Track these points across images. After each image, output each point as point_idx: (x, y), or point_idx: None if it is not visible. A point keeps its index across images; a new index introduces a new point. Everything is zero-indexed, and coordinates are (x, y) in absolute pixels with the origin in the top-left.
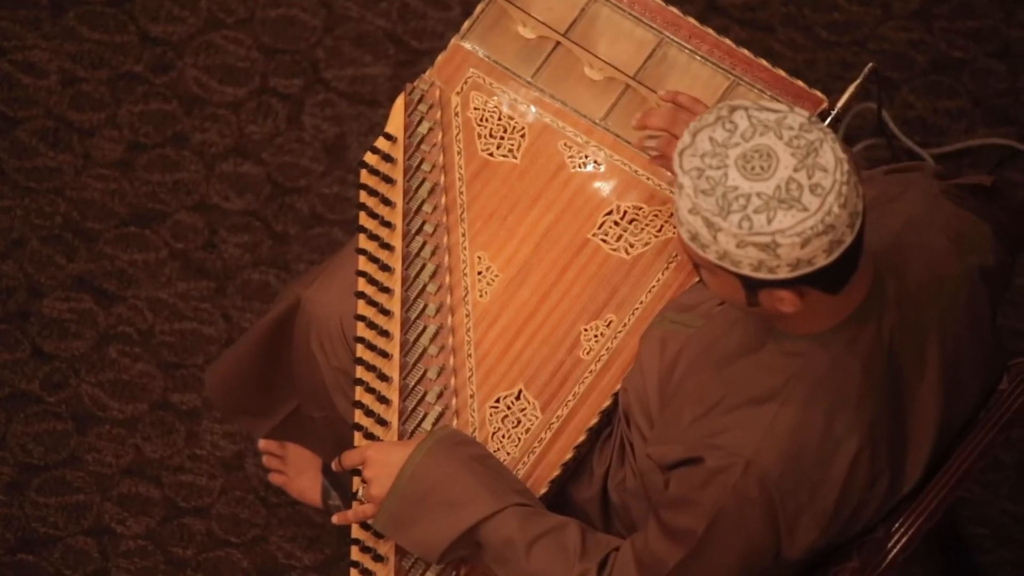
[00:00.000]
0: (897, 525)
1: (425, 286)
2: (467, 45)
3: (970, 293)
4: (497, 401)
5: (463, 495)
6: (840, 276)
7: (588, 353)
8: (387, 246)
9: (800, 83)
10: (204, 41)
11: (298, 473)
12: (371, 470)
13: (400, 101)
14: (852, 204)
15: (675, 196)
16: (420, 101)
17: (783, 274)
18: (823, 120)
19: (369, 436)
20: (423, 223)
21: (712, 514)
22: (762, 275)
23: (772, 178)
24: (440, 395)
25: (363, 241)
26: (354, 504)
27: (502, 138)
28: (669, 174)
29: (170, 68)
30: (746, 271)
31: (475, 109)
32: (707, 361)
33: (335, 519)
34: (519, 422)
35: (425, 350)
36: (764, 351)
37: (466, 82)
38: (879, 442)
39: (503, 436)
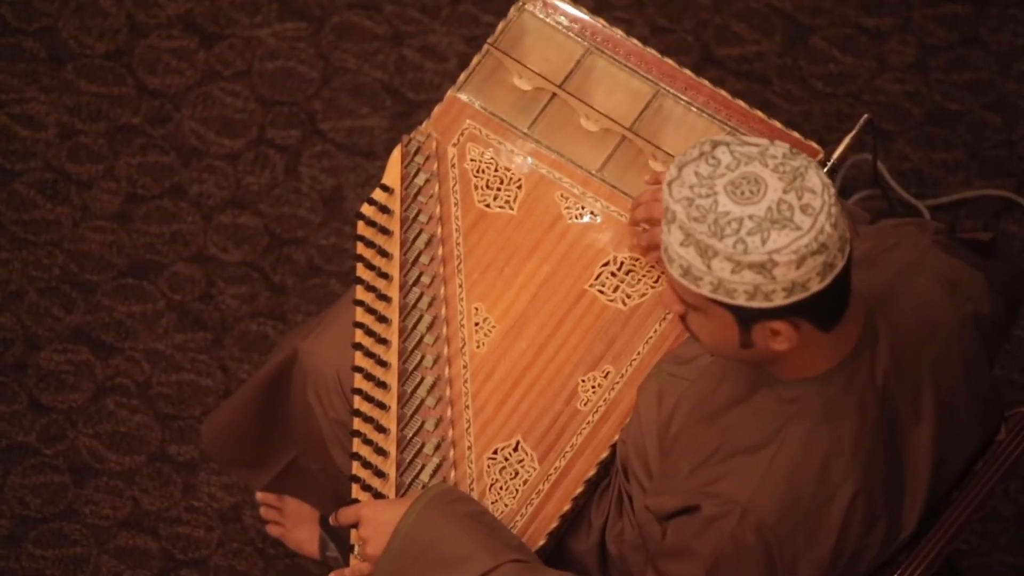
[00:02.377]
0: None
1: (422, 337)
2: (463, 97)
3: (964, 340)
4: (495, 452)
5: (459, 553)
6: (833, 309)
7: (585, 404)
8: (384, 297)
9: (796, 134)
10: (202, 93)
11: (296, 525)
12: (366, 529)
13: (397, 153)
14: (842, 227)
15: (664, 233)
16: (417, 152)
17: (779, 300)
18: None
19: (366, 488)
20: (420, 274)
21: (710, 562)
22: (757, 303)
23: (762, 201)
24: (438, 447)
25: (360, 292)
26: (352, 561)
27: (499, 189)
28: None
29: (168, 120)
30: (741, 300)
31: (471, 160)
32: (702, 413)
33: None
34: (517, 473)
35: (423, 401)
36: (758, 398)
37: (462, 133)
38: (875, 487)
39: (501, 488)
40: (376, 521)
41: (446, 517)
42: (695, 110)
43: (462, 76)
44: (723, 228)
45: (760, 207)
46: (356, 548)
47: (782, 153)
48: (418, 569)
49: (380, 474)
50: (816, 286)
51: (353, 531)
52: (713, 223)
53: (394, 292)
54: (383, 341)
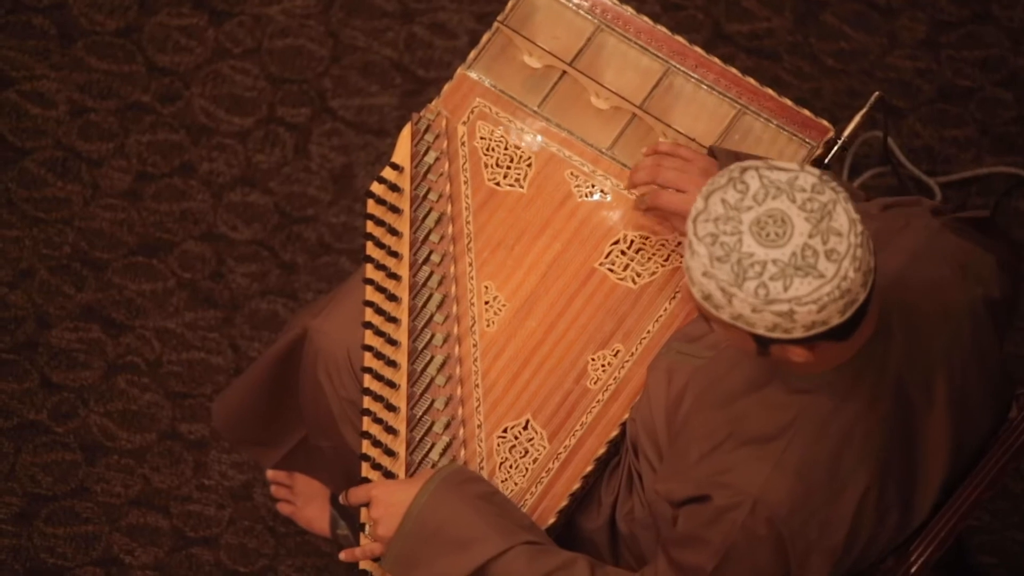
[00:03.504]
0: (907, 555)
1: (432, 316)
2: (473, 75)
3: (975, 324)
4: (504, 431)
5: (470, 534)
6: (851, 328)
7: (595, 383)
8: (394, 276)
9: (806, 112)
10: (212, 71)
11: (306, 503)
12: (377, 510)
13: (407, 130)
14: (866, 264)
15: (686, 257)
16: (427, 131)
17: (797, 335)
18: (829, 149)
19: (376, 466)
20: (430, 252)
21: (721, 552)
22: (776, 335)
23: (787, 244)
24: (447, 425)
25: (370, 271)
26: (362, 541)
27: (508, 167)
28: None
29: (178, 98)
30: (760, 332)
31: (481, 138)
32: (713, 397)
33: (343, 556)
34: (527, 452)
35: (432, 380)
36: (770, 388)
37: (472, 111)
38: (888, 478)
39: (511, 466)
40: (387, 502)
41: (457, 498)
42: (705, 88)
43: (472, 54)
44: (745, 271)
45: (785, 251)
46: (367, 528)
47: (811, 184)
48: (430, 550)
49: (390, 453)
50: (836, 321)
51: (363, 510)
52: (736, 264)
53: (404, 271)
54: (393, 320)
